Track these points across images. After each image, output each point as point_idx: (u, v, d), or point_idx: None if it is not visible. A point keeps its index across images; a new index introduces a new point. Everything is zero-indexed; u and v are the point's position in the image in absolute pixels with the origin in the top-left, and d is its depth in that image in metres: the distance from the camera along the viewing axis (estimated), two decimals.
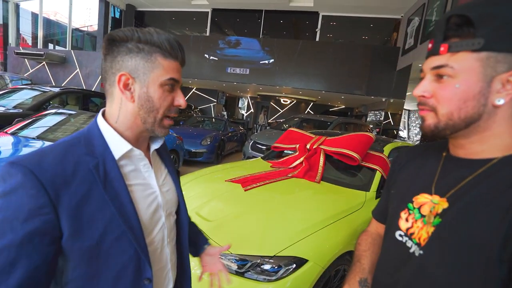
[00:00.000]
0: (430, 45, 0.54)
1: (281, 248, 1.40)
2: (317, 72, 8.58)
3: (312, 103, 14.07)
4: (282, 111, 14.74)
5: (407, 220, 0.58)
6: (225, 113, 14.59)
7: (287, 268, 1.36)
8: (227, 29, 11.32)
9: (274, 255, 1.37)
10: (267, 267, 1.36)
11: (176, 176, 0.74)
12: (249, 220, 1.61)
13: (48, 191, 0.47)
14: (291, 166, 2.49)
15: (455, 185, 0.52)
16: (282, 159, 2.69)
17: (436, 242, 0.51)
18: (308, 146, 2.62)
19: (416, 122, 14.52)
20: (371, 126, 8.46)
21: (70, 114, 3.65)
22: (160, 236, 0.65)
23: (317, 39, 9.30)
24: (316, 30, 9.28)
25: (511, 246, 0.42)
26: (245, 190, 1.90)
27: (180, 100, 0.60)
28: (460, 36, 0.48)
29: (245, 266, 1.36)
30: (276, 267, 1.35)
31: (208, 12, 10.32)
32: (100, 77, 9.78)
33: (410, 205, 0.58)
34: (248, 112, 16.33)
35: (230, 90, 13.91)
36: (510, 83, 0.46)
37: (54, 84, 10.00)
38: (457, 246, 0.48)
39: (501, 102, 0.47)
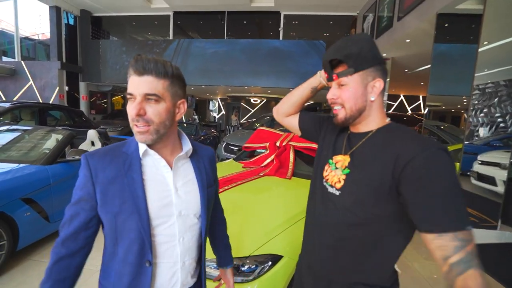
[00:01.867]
0: (326, 75, 0.84)
1: (256, 247, 1.43)
2: (282, 70, 8.76)
3: None
4: (253, 111, 14.82)
5: (326, 171, 0.84)
6: (196, 116, 14.35)
7: (263, 266, 1.39)
8: (191, 31, 11.14)
9: (249, 255, 1.39)
10: (243, 268, 1.38)
11: (204, 184, 0.82)
12: None
13: (92, 172, 0.70)
14: (262, 165, 2.54)
15: (353, 147, 0.80)
16: (254, 159, 2.73)
17: (348, 184, 0.76)
18: (278, 144, 2.68)
19: None
20: None
21: (24, 130, 3.38)
22: (170, 232, 0.74)
23: (281, 38, 9.49)
24: (279, 29, 9.47)
25: (395, 183, 0.67)
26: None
27: (132, 110, 0.68)
28: (339, 68, 0.78)
29: None
30: (252, 267, 1.38)
31: (169, 15, 10.07)
32: (58, 88, 9.13)
33: (330, 161, 0.84)
34: (220, 114, 16.21)
35: (200, 93, 13.71)
36: (374, 87, 0.76)
37: (4, 99, 9.16)
38: (360, 184, 0.73)
39: (373, 98, 0.77)
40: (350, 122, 0.80)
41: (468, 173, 3.52)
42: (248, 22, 10.28)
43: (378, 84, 0.76)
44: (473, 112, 3.38)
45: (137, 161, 0.71)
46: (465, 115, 3.31)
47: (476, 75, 3.11)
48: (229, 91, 12.17)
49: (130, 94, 0.67)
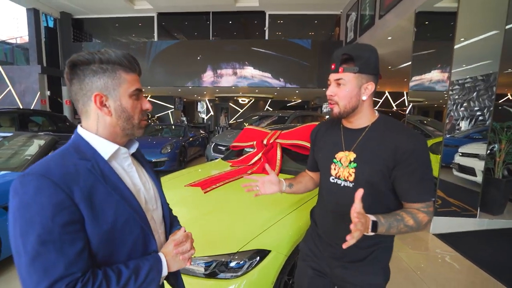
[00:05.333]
0: (333, 66, 0.93)
1: (244, 243, 1.44)
2: (269, 69, 8.80)
3: (270, 100, 14.38)
4: (242, 111, 14.82)
5: (334, 169, 1.00)
6: (184, 118, 14.22)
7: (251, 261, 1.40)
8: (176, 33, 11.02)
9: (238, 251, 1.40)
10: (232, 264, 1.39)
11: (155, 175, 0.85)
12: (211, 222, 1.62)
13: (62, 187, 0.56)
14: (250, 163, 2.55)
15: (354, 143, 0.96)
16: (242, 157, 2.74)
17: (358, 176, 0.93)
18: (265, 142, 2.70)
19: None
20: (327, 116, 8.95)
21: (4, 137, 3.27)
22: (153, 225, 0.76)
23: (267, 37, 9.53)
24: (265, 29, 9.51)
25: (393, 166, 0.90)
26: (204, 193, 1.91)
27: (146, 105, 0.73)
28: (347, 64, 0.90)
29: (211, 267, 1.38)
30: (241, 262, 1.39)
31: (153, 16, 9.94)
32: (39, 93, 8.84)
33: (335, 160, 1.00)
34: (208, 115, 16.12)
35: (187, 94, 13.59)
36: (367, 88, 0.92)
37: None
38: (369, 174, 0.91)
39: (364, 98, 0.93)
40: (344, 116, 0.95)
41: (450, 165, 3.65)
42: (234, 22, 10.27)
43: (370, 86, 0.91)
44: (454, 106, 3.50)
45: (105, 163, 0.66)
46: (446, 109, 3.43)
47: (454, 71, 3.22)
48: (216, 92, 12.12)
49: (140, 90, 0.71)
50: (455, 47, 3.15)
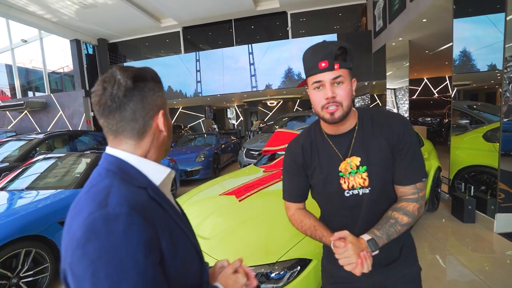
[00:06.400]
0: (323, 65, 0.81)
1: (283, 252, 1.38)
2: (294, 68, 8.65)
3: (298, 100, 14.15)
4: (270, 114, 14.78)
5: (345, 182, 0.89)
6: (215, 126, 14.59)
7: (292, 271, 1.33)
8: (201, 44, 11.40)
9: (277, 261, 1.34)
10: (272, 275, 1.33)
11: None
12: (247, 230, 1.59)
13: (149, 221, 0.48)
14: None
15: (348, 147, 0.89)
16: (274, 162, 2.68)
17: (372, 177, 0.87)
18: None
19: (404, 99, 14.69)
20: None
21: (58, 158, 3.61)
22: None
23: (290, 37, 9.41)
24: (288, 29, 9.40)
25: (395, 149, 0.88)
26: (239, 201, 1.88)
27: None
28: (342, 59, 0.81)
29: None
30: (281, 273, 1.33)
31: (179, 31, 10.40)
32: (84, 115, 9.71)
33: (341, 173, 0.89)
34: (239, 121, 16.34)
35: (216, 102, 13.94)
36: (354, 84, 0.86)
37: (39, 131, 9.91)
38: (381, 171, 0.87)
39: (354, 93, 0.86)
40: (342, 119, 0.85)
41: None
42: (256, 26, 10.32)
43: (354, 83, 0.87)
44: (510, 86, 3.09)
45: (158, 190, 0.58)
46: (500, 90, 3.03)
47: (508, 45, 2.84)
48: (244, 97, 12.25)
49: None
50: (508, 18, 2.77)
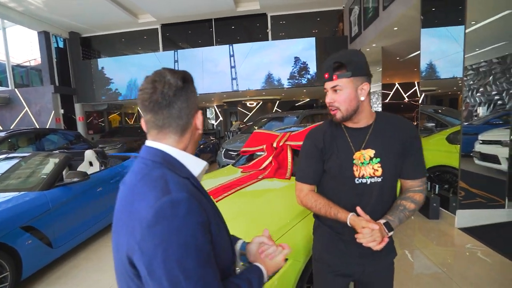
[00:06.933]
0: (326, 76, 0.99)
1: None
2: (274, 70, 8.76)
3: (278, 101, 14.31)
4: (250, 114, 14.81)
5: (357, 170, 1.01)
6: None
7: None
8: (180, 42, 11.18)
9: None
10: None
11: None
12: None
13: (202, 207, 0.56)
14: (261, 168, 2.51)
15: (363, 140, 1.01)
16: (252, 162, 2.71)
17: (386, 168, 1.00)
18: (274, 145, 2.65)
19: (377, 102, 15.37)
20: None
21: (22, 157, 3.37)
22: None
23: (270, 39, 9.50)
24: (267, 31, 9.49)
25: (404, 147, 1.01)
26: (216, 202, 1.88)
27: None
28: (340, 70, 0.96)
29: None
30: None
31: (157, 28, 10.13)
32: (53, 112, 9.15)
33: (354, 161, 1.01)
34: (218, 121, 16.21)
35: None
36: (363, 89, 0.97)
37: (1, 128, 9.20)
38: (392, 164, 1.00)
39: (363, 98, 0.98)
40: (348, 119, 1.00)
41: (471, 154, 3.48)
42: (236, 26, 10.31)
43: (366, 87, 0.97)
44: (470, 93, 3.35)
45: (197, 180, 0.65)
46: (461, 96, 3.28)
47: (467, 55, 3.08)
48: (224, 97, 12.18)
49: None
50: (466, 31, 3.01)
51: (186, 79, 0.64)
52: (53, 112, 9.16)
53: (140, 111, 0.58)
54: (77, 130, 9.48)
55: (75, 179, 2.83)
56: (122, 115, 13.50)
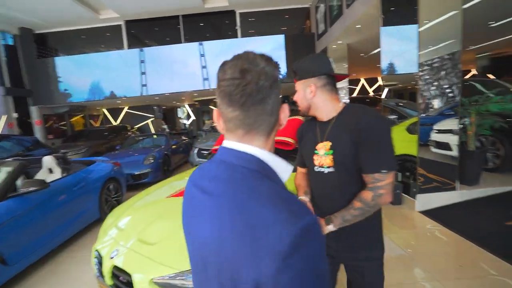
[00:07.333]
0: (295, 80, 1.13)
1: None
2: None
3: None
4: None
5: (317, 159, 1.12)
6: (165, 126, 13.93)
7: None
8: (147, 39, 10.75)
9: None
10: None
11: None
12: None
13: None
14: None
15: (324, 134, 1.10)
16: None
17: (337, 160, 1.05)
18: None
19: (345, 98, 16.03)
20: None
21: None
22: None
23: (239, 36, 9.48)
24: (236, 28, 9.45)
25: (358, 148, 1.01)
26: None
27: None
28: (295, 76, 1.12)
29: None
30: None
31: (121, 25, 9.64)
32: (6, 116, 8.34)
33: (316, 151, 1.12)
34: (190, 120, 15.87)
35: (166, 102, 13.31)
36: (309, 90, 1.08)
37: None
38: (342, 156, 1.04)
39: (309, 97, 1.09)
40: (306, 113, 1.14)
41: (428, 143, 3.77)
42: (205, 23, 10.14)
43: (311, 88, 1.08)
44: (425, 87, 3.61)
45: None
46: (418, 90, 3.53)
47: (421, 52, 3.32)
48: (195, 96, 11.94)
49: None
50: (420, 29, 3.24)
51: (278, 67, 0.54)
52: (6, 116, 8.37)
53: (220, 104, 0.53)
54: (34, 135, 8.75)
55: (31, 188, 2.62)
56: (86, 118, 12.70)
